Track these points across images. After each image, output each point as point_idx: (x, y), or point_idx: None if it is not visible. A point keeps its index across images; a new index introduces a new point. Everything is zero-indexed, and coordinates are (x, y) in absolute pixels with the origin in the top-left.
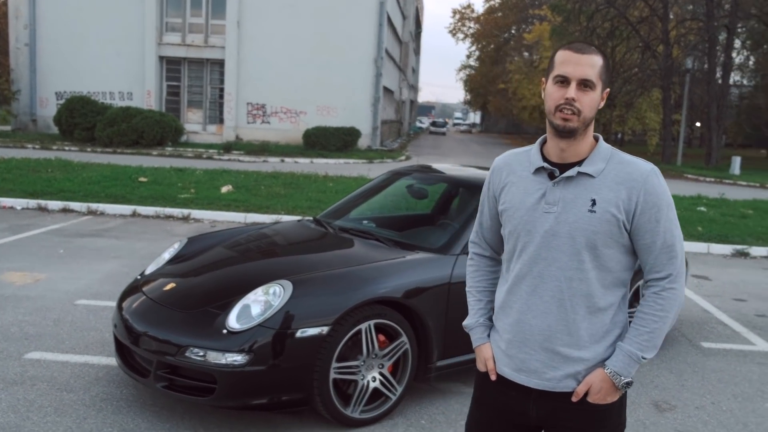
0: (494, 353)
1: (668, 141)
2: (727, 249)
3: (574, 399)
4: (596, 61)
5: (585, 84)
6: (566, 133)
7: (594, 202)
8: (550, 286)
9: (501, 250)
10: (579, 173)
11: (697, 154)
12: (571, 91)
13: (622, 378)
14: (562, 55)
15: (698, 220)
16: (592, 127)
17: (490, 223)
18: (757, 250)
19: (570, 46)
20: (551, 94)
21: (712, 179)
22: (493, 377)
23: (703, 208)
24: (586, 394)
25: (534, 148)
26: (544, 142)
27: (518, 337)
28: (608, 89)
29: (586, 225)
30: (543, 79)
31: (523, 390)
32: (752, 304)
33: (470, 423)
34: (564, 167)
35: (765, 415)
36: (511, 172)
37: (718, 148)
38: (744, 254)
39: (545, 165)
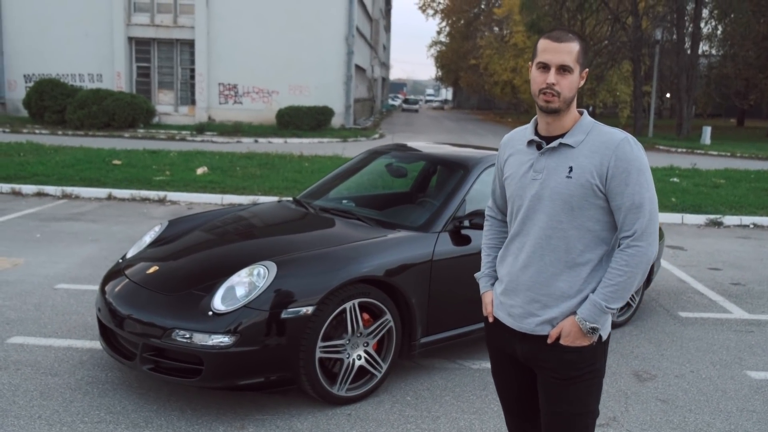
0: (494, 299)
1: (639, 113)
2: (700, 219)
3: (548, 341)
4: (573, 47)
5: (563, 69)
6: (550, 112)
7: (571, 169)
8: (533, 243)
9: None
10: (561, 144)
11: (668, 126)
12: (551, 77)
13: (587, 323)
14: (542, 44)
15: (672, 191)
16: (574, 104)
17: (499, 192)
18: (730, 219)
19: (549, 36)
20: (535, 78)
21: (684, 150)
22: (490, 319)
23: (676, 179)
24: (559, 338)
25: (530, 124)
26: None
27: (509, 286)
28: (587, 69)
29: (564, 189)
30: (529, 63)
31: (511, 332)
32: (727, 272)
33: (490, 358)
34: (551, 140)
35: (743, 382)
36: (512, 146)
37: (688, 118)
38: (717, 224)
39: (534, 138)
